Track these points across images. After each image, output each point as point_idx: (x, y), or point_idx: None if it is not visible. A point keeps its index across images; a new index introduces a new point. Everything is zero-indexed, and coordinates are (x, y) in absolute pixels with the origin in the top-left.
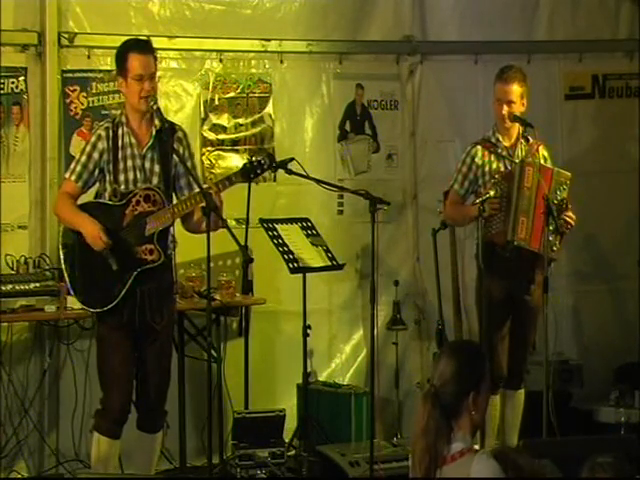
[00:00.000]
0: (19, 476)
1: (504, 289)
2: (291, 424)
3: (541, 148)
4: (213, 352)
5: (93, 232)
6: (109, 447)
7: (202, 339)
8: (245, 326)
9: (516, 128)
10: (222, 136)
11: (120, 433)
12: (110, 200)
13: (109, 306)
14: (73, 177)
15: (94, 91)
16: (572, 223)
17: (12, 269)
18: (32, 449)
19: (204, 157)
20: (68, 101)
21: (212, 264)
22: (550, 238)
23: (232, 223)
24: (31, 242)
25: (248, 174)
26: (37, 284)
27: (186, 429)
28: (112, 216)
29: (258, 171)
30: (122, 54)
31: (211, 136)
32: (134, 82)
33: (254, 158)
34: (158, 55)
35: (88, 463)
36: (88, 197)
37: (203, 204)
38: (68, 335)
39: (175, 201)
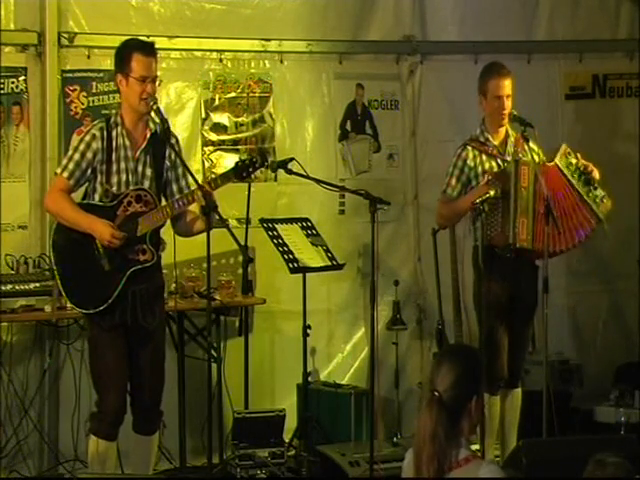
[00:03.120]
0: (19, 476)
1: (505, 290)
2: (291, 424)
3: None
4: (213, 352)
5: (106, 232)
6: (106, 449)
7: (202, 339)
8: (245, 326)
9: (505, 125)
10: (223, 136)
11: (116, 435)
12: (101, 201)
13: (102, 307)
14: (65, 174)
15: (94, 91)
16: (587, 164)
17: (12, 269)
18: (32, 449)
19: (205, 157)
20: (68, 101)
21: (213, 263)
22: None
23: (233, 223)
24: (31, 242)
25: (240, 173)
26: (37, 284)
27: (186, 429)
28: (104, 217)
29: (250, 169)
30: (125, 53)
31: (212, 136)
32: (136, 83)
33: (246, 156)
34: (158, 55)
35: (88, 463)
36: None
37: (196, 204)
38: (68, 335)
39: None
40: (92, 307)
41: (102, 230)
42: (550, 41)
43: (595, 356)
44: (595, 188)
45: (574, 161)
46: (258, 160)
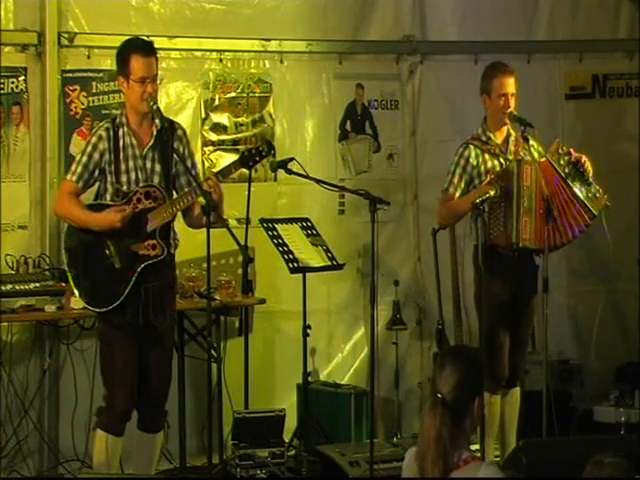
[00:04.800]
0: (19, 476)
1: (506, 290)
2: (291, 424)
3: (529, 137)
4: (213, 352)
5: (112, 218)
6: (112, 444)
7: (202, 339)
8: (245, 326)
9: (507, 124)
10: (223, 136)
11: (123, 430)
12: (112, 200)
13: (114, 305)
14: (74, 178)
15: (94, 91)
16: (581, 157)
17: (12, 269)
18: (32, 449)
19: (205, 157)
20: (68, 101)
21: (213, 263)
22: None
23: (233, 223)
24: (31, 242)
25: (247, 162)
26: (37, 284)
27: (186, 429)
28: None
29: (257, 158)
30: (124, 54)
31: (212, 136)
32: (136, 84)
33: (252, 145)
34: (158, 55)
35: (88, 463)
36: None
37: (202, 201)
38: (68, 335)
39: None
40: (104, 306)
41: (108, 218)
42: (550, 41)
43: (595, 356)
44: (589, 184)
45: (567, 157)
46: (264, 149)
